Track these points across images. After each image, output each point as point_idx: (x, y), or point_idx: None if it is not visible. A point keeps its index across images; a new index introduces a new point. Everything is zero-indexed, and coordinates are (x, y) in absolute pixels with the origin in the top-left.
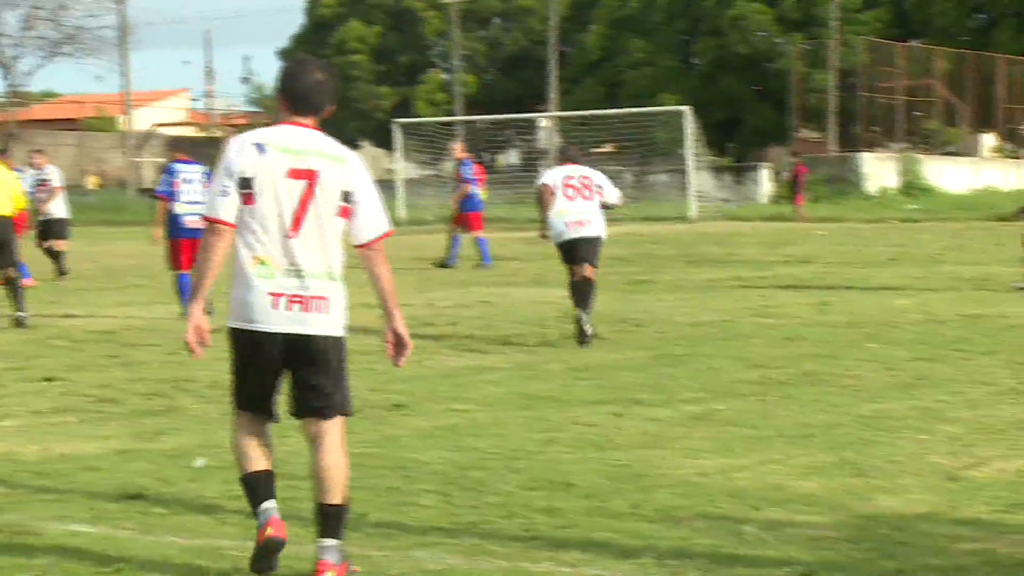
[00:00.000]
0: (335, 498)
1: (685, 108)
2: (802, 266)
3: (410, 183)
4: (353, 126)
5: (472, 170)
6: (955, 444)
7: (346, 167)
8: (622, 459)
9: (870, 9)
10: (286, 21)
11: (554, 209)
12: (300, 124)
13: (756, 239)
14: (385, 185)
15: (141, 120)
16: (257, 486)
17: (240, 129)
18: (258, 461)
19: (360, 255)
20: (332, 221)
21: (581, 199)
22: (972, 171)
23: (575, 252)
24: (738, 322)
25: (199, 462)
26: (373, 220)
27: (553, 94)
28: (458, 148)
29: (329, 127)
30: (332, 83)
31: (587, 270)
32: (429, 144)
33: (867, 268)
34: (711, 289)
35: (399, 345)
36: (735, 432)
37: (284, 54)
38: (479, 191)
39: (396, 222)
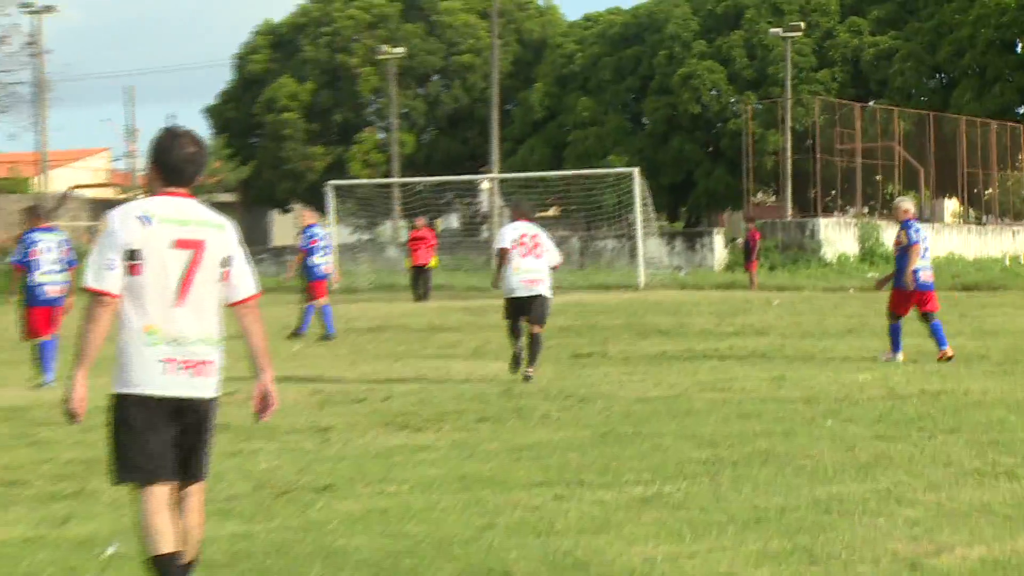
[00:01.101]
0: (192, 554)
1: (634, 170)
2: (757, 337)
3: (344, 248)
4: (284, 187)
5: (312, 237)
6: (915, 529)
7: (226, 234)
8: (564, 546)
9: (825, 68)
10: (214, 77)
11: (509, 265)
12: (178, 194)
13: (708, 309)
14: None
15: (58, 181)
16: (169, 569)
17: None
18: (168, 540)
19: (235, 313)
20: (214, 287)
21: (533, 257)
22: (933, 238)
23: (525, 309)
24: (689, 397)
25: (110, 549)
26: (246, 279)
27: (495, 154)
28: (306, 214)
29: (260, 189)
30: (203, 155)
31: (536, 328)
32: (364, 207)
33: (825, 340)
34: (661, 362)
35: (265, 401)
36: (684, 516)
37: (212, 111)
38: (322, 259)
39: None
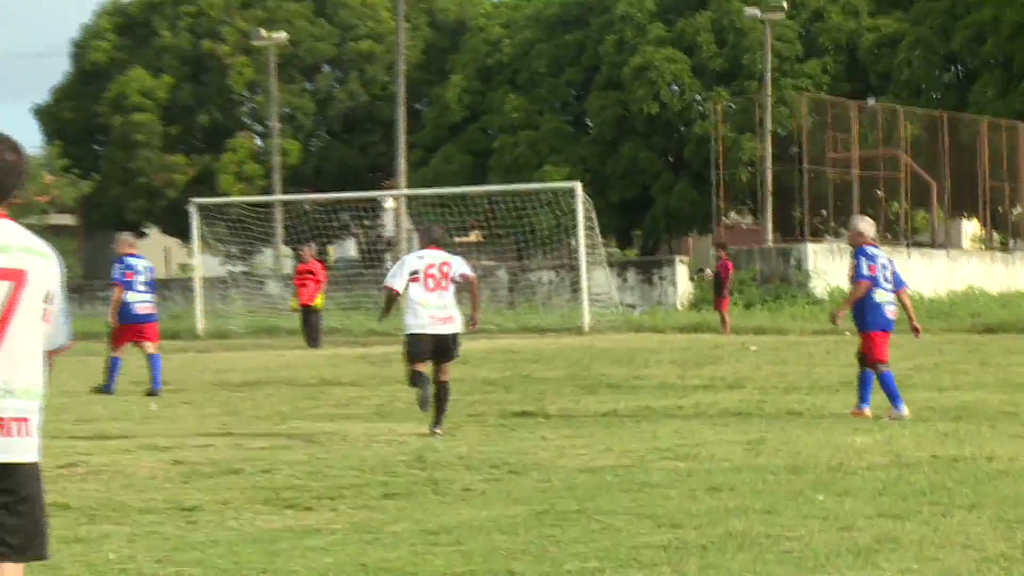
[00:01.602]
0: None
1: (575, 184)
2: (729, 392)
3: (211, 283)
4: (136, 206)
5: (128, 269)
6: None
7: (50, 264)
8: None
9: (814, 57)
10: (45, 68)
11: (414, 298)
12: None
13: (669, 357)
14: (178, 285)
15: None
16: None
17: None
18: None
19: None
20: (37, 327)
21: (441, 291)
22: (949, 267)
23: (434, 349)
24: (646, 467)
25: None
26: (63, 326)
27: (402, 165)
28: (123, 241)
29: (105, 209)
30: (23, 165)
31: (444, 375)
32: (238, 231)
33: (814, 395)
34: (611, 423)
35: None
36: None
37: (43, 112)
38: (139, 297)
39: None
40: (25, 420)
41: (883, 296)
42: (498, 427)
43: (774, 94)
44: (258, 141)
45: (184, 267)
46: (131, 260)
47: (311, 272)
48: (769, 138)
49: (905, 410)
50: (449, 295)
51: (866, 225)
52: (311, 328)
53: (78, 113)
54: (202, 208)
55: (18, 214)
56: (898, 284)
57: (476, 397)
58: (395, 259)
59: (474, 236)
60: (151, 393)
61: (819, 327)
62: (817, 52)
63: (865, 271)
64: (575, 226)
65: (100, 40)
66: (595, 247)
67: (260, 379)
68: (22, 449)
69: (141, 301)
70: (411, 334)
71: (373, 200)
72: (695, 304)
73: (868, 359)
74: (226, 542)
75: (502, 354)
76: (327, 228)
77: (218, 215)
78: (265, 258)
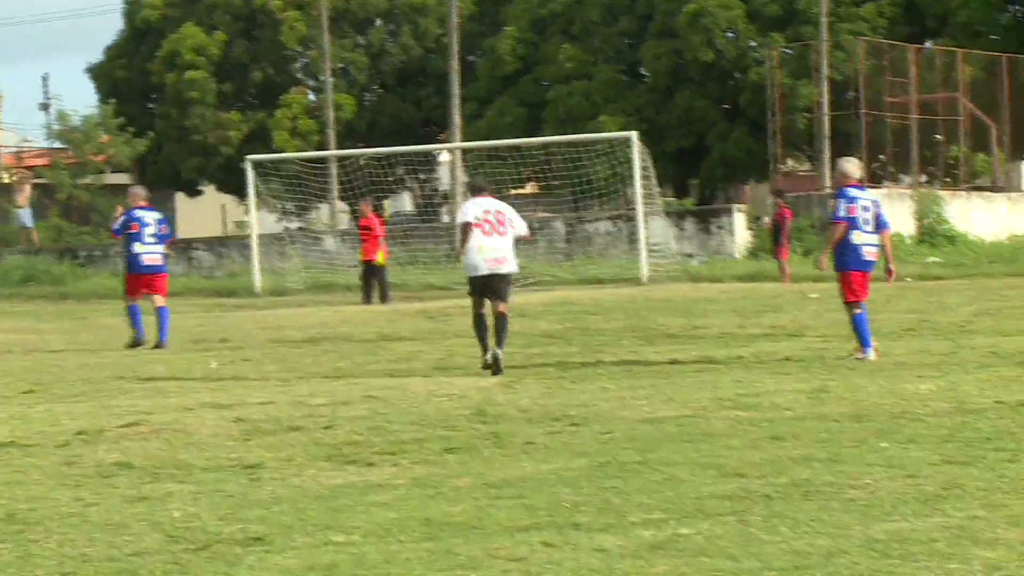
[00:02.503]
0: None
1: (631, 134)
2: (790, 340)
3: (268, 240)
4: (191, 165)
5: (133, 220)
6: (996, 575)
7: None
8: None
9: (870, 1)
10: (99, 27)
11: (471, 243)
12: None
13: (729, 306)
14: (235, 243)
15: None
16: None
17: (37, 171)
18: None
19: None
20: None
21: (496, 235)
22: (1010, 211)
23: (489, 288)
24: (707, 417)
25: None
26: None
27: (456, 119)
28: (132, 195)
29: (160, 168)
30: None
31: (502, 307)
32: (293, 187)
33: (875, 341)
34: (671, 374)
35: None
36: (707, 565)
37: (97, 71)
38: (146, 247)
39: (252, 293)
40: None
41: (860, 237)
42: (558, 379)
43: (830, 39)
44: (311, 96)
45: (240, 224)
46: (138, 212)
47: (368, 228)
48: (826, 84)
49: (873, 354)
50: (504, 239)
51: (851, 167)
52: (377, 284)
53: (131, 71)
54: (257, 165)
55: (75, 174)
56: (881, 226)
57: (536, 350)
58: (451, 213)
59: (530, 187)
60: (158, 346)
61: (878, 274)
62: None
63: (842, 212)
64: (631, 176)
65: None
66: (652, 197)
67: (319, 335)
68: None
69: (149, 252)
70: (471, 277)
71: (428, 154)
72: (753, 253)
73: (843, 299)
74: (289, 499)
75: (560, 306)
76: (382, 182)
77: (273, 172)
78: (321, 214)
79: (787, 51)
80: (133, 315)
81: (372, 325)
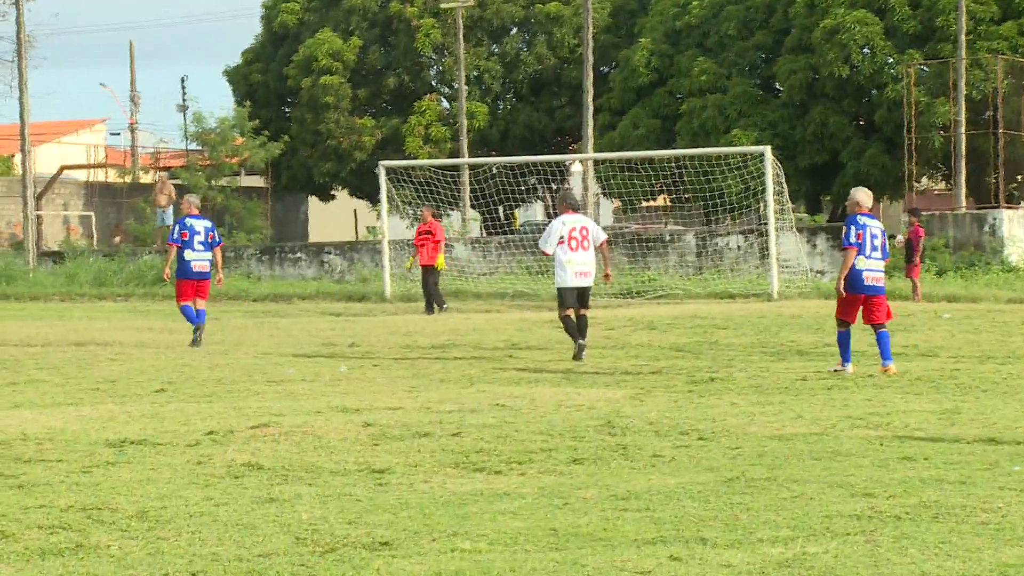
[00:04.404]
0: None
1: (764, 149)
2: (922, 360)
3: (399, 246)
4: (324, 169)
5: (183, 230)
6: None
7: None
8: None
9: (1010, 20)
10: (236, 31)
11: (561, 258)
12: None
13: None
14: (366, 247)
15: (45, 159)
16: None
17: (174, 172)
18: None
19: None
20: None
21: (582, 250)
22: None
23: (575, 296)
24: (837, 435)
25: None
26: None
27: (589, 129)
28: (185, 203)
29: (295, 172)
30: None
31: (583, 310)
32: (424, 193)
33: (1010, 364)
34: (801, 391)
35: None
36: None
37: (233, 74)
38: (196, 255)
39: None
40: None
41: (864, 263)
42: (687, 393)
43: (968, 57)
44: (444, 104)
45: (372, 229)
46: (190, 220)
47: (430, 232)
48: (963, 102)
49: (851, 368)
50: (588, 253)
51: (863, 196)
52: (429, 288)
53: (268, 75)
54: (390, 170)
55: (210, 175)
56: (885, 254)
57: (664, 363)
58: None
59: (661, 200)
60: (195, 343)
61: (1014, 295)
62: (1013, 14)
63: (852, 238)
64: (764, 191)
65: (290, 2)
66: (784, 212)
67: (448, 342)
68: None
69: (199, 259)
70: (560, 288)
71: (560, 164)
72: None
73: (836, 314)
74: (416, 504)
75: (690, 320)
76: (514, 191)
77: (405, 177)
78: (452, 221)
79: (924, 68)
80: (187, 312)
81: (502, 333)
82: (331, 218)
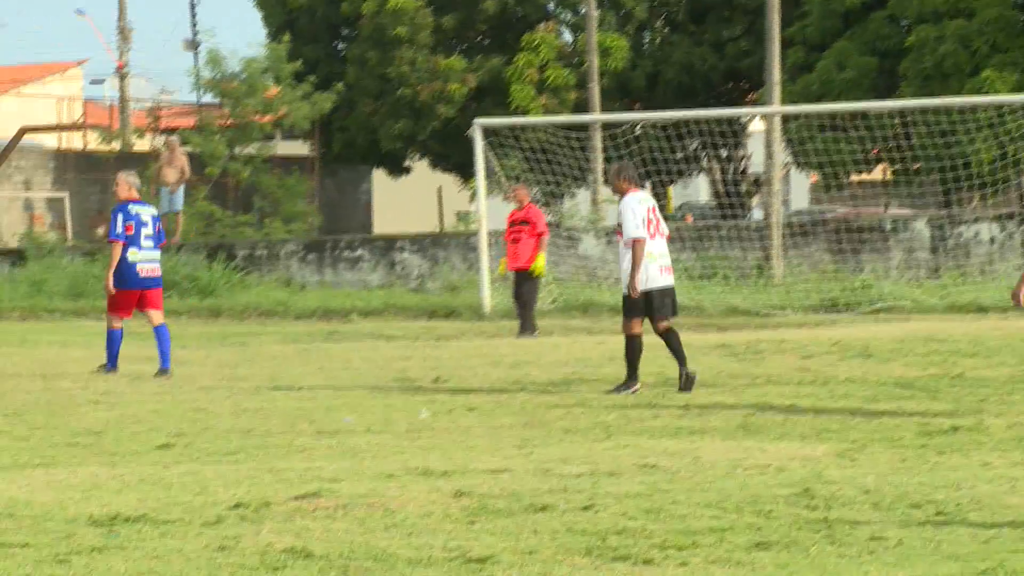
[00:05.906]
0: None
1: None
2: None
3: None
4: (395, 131)
5: (127, 220)
6: None
7: None
8: None
9: None
10: None
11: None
12: None
13: None
14: (456, 243)
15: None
16: None
17: (181, 134)
18: None
19: None
20: None
21: (660, 236)
22: None
23: (657, 302)
24: None
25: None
26: None
27: (775, 73)
28: (123, 184)
29: (352, 135)
30: None
31: (662, 324)
32: (540, 164)
33: None
34: None
35: None
36: None
37: (267, 0)
38: (141, 256)
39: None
40: None
41: None
42: (918, 449)
43: None
44: (567, 37)
45: (464, 216)
46: (134, 208)
47: (526, 221)
48: None
49: None
50: (665, 242)
51: None
52: (522, 303)
53: (313, 1)
54: (489, 133)
55: (232, 140)
56: None
57: (886, 406)
58: (765, 206)
59: (879, 172)
60: (161, 373)
61: None
62: None
63: None
64: None
65: None
66: None
67: (573, 376)
68: None
69: (146, 261)
70: (643, 290)
71: (734, 121)
72: None
73: None
74: None
75: (922, 344)
76: (667, 160)
77: (512, 142)
78: (578, 204)
79: None
80: (114, 340)
81: (650, 364)
82: (405, 200)
